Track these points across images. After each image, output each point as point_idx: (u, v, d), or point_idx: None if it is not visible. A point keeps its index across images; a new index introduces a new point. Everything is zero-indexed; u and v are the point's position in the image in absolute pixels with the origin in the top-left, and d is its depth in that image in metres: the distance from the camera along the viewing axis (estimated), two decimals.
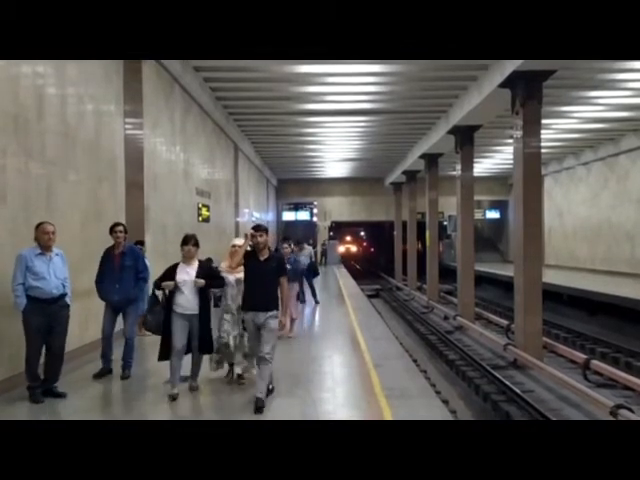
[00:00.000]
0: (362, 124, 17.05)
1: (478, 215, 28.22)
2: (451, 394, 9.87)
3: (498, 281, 22.26)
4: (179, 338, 5.40)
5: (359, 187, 30.67)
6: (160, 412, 5.12)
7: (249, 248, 5.45)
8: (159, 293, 5.66)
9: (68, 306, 5.46)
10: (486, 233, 33.02)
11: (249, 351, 5.75)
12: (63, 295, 5.37)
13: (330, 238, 32.89)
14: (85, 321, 6.85)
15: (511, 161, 12.64)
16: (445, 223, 30.90)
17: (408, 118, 16.16)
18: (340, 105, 14.39)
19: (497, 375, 9.66)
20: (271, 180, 28.37)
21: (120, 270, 6.11)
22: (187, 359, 5.64)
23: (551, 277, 18.37)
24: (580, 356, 10.33)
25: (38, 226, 5.29)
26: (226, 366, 6.09)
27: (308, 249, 13.79)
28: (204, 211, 13.33)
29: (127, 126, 8.76)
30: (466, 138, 14.67)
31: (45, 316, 5.22)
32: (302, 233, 26.32)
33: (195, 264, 5.55)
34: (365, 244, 51.43)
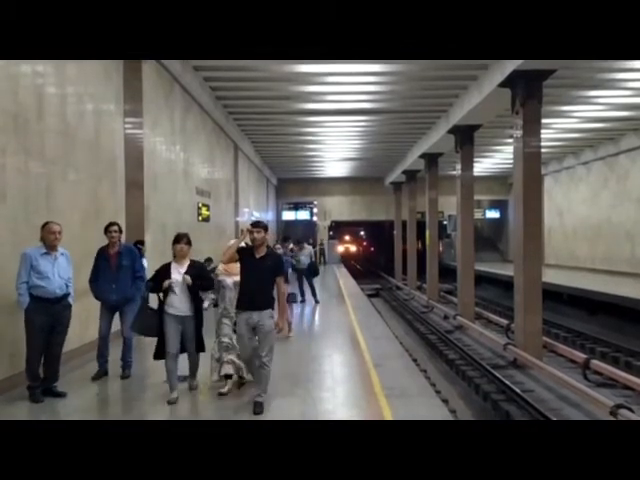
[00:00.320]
0: (362, 123, 17.04)
1: (478, 215, 28.22)
2: (451, 393, 9.87)
3: (498, 280, 22.27)
4: (173, 342, 5.29)
5: (359, 186, 30.67)
6: (160, 412, 5.11)
7: (244, 244, 5.27)
8: (152, 295, 5.55)
9: (70, 306, 5.47)
10: (486, 233, 33.03)
11: (242, 354, 5.39)
12: (66, 295, 5.38)
13: (330, 237, 32.89)
14: (86, 320, 6.84)
15: (511, 160, 12.64)
16: (445, 223, 30.91)
17: (408, 117, 16.15)
18: (340, 104, 14.38)
19: (497, 374, 9.65)
20: (271, 179, 28.37)
21: (117, 270, 6.08)
22: (184, 358, 5.57)
23: (551, 277, 18.38)
24: (580, 356, 10.34)
25: (44, 226, 5.30)
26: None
27: (308, 249, 13.77)
28: (204, 210, 13.33)
29: (127, 125, 8.75)
30: (466, 137, 14.67)
31: (48, 315, 5.22)
32: (302, 233, 26.33)
33: (187, 264, 5.42)
34: (365, 243, 51.46)
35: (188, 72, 11.09)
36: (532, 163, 10.24)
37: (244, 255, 5.13)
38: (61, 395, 5.43)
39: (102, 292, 6.09)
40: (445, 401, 8.30)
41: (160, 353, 5.41)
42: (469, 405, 9.31)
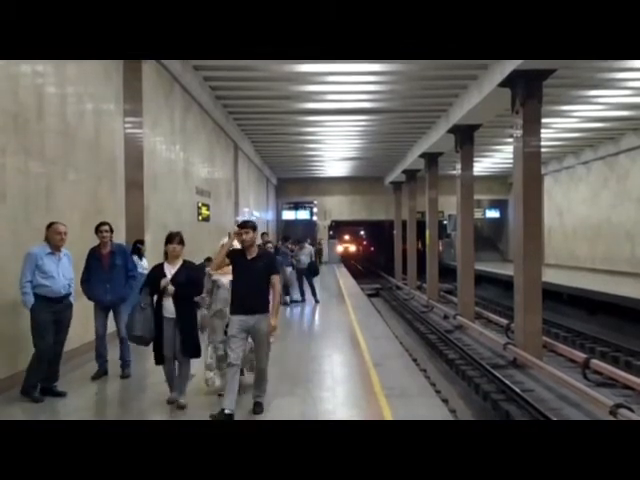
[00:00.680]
0: (362, 123, 17.03)
1: (478, 214, 28.20)
2: (451, 393, 9.87)
3: (498, 280, 22.26)
4: (169, 346, 5.13)
5: (359, 186, 30.66)
6: (160, 411, 5.11)
7: (235, 246, 5.08)
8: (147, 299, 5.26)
9: (72, 305, 5.50)
10: (486, 232, 33.01)
11: (232, 356, 4.86)
12: (68, 294, 5.41)
13: (330, 237, 32.88)
14: (86, 320, 6.84)
15: (511, 160, 12.63)
16: (445, 222, 30.90)
17: (408, 117, 16.15)
18: (340, 104, 14.38)
19: (497, 374, 9.65)
20: (271, 179, 28.37)
21: (110, 269, 6.04)
22: None
23: (551, 276, 18.38)
24: (580, 355, 10.34)
25: (50, 226, 5.30)
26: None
27: (308, 248, 13.78)
28: (204, 210, 13.34)
29: (127, 125, 8.75)
30: (466, 137, 14.67)
31: (51, 314, 5.24)
32: (302, 232, 26.32)
33: (179, 264, 5.18)
34: (365, 243, 51.48)
35: (188, 72, 11.09)
36: (532, 163, 10.24)
37: (235, 257, 4.94)
38: (61, 395, 5.43)
39: (96, 293, 6.03)
40: (445, 401, 8.30)
41: (160, 358, 5.24)
42: (469, 405, 9.31)
